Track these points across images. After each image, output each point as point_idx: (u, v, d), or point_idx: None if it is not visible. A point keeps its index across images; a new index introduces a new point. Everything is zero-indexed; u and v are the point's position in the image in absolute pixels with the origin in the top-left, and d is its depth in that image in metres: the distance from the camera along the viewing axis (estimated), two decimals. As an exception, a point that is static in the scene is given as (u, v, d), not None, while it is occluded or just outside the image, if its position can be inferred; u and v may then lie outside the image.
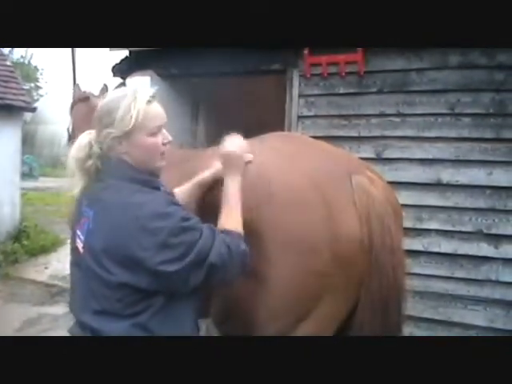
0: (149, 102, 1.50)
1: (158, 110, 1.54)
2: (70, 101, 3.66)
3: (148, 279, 1.37)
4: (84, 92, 3.72)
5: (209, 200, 1.86)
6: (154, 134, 1.51)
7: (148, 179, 1.53)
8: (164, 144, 1.55)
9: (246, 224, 1.62)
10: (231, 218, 1.60)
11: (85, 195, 1.53)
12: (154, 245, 1.35)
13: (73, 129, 3.45)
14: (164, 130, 1.56)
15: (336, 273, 1.74)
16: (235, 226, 1.58)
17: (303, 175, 1.80)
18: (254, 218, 1.70)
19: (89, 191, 1.52)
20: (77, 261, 1.54)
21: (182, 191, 1.87)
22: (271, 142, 2.01)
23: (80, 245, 1.49)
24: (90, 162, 1.51)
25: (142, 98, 1.49)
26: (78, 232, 1.52)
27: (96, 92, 3.66)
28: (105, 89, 3.73)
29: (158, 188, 1.55)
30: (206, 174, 1.91)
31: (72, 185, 1.55)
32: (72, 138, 3.42)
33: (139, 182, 1.49)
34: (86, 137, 1.56)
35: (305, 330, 1.75)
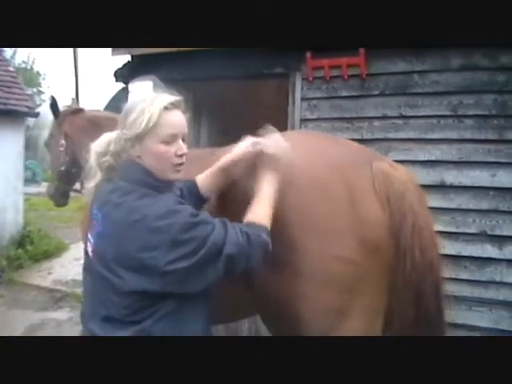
0: (166, 108, 1.45)
1: (174, 118, 1.48)
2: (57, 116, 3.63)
3: (160, 281, 1.33)
4: (70, 106, 3.74)
5: (234, 194, 1.83)
6: (166, 142, 1.45)
7: (158, 185, 1.48)
8: (179, 155, 1.48)
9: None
10: (259, 212, 1.55)
11: (95, 198, 1.51)
12: (164, 243, 1.31)
13: (68, 142, 3.42)
14: (180, 141, 1.49)
15: (364, 260, 1.68)
16: (261, 219, 1.53)
17: (325, 161, 1.78)
18: (279, 202, 1.65)
19: (99, 194, 1.49)
20: (87, 266, 1.51)
21: (203, 178, 1.80)
22: (292, 135, 2.00)
23: (90, 249, 1.46)
24: (104, 159, 1.50)
25: (158, 104, 1.45)
26: (89, 236, 1.49)
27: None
28: (75, 102, 3.75)
29: (168, 191, 1.51)
30: (226, 159, 1.79)
31: (89, 179, 1.55)
32: (70, 150, 3.42)
33: (149, 186, 1.45)
34: (109, 135, 1.56)
35: (352, 326, 1.68)
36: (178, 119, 1.50)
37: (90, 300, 1.48)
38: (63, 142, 3.43)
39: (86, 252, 1.51)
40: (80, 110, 3.52)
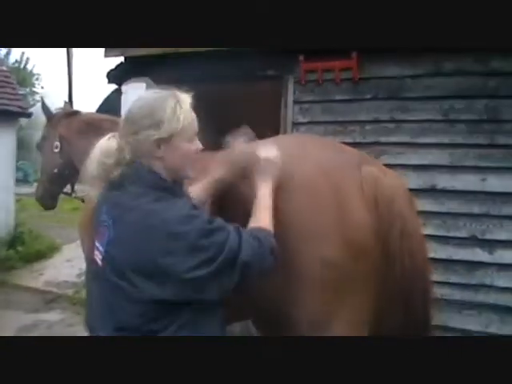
0: (191, 105, 1.44)
1: (195, 116, 1.47)
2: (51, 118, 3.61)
3: (177, 289, 1.28)
4: (63, 108, 3.73)
5: (228, 199, 1.85)
6: (191, 140, 1.45)
7: (170, 187, 1.44)
8: (196, 153, 1.48)
9: None
10: (262, 218, 1.54)
11: (103, 203, 1.44)
12: (183, 249, 1.27)
13: (63, 144, 3.40)
14: (196, 138, 1.49)
15: (348, 262, 1.68)
16: (265, 224, 1.52)
17: (313, 164, 1.78)
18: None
19: (107, 199, 1.43)
20: (95, 274, 1.44)
21: (199, 187, 1.79)
22: (284, 140, 2.02)
23: (99, 257, 1.39)
24: (117, 170, 1.41)
25: (186, 101, 1.42)
26: (97, 243, 1.41)
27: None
28: (68, 105, 3.74)
29: (181, 195, 1.48)
30: (221, 173, 1.82)
31: (90, 193, 1.50)
32: (64, 152, 3.41)
33: (162, 189, 1.40)
34: (113, 141, 1.47)
35: (338, 330, 1.69)
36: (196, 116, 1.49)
37: (100, 309, 1.41)
38: (58, 144, 3.42)
39: (94, 261, 1.43)
40: (75, 112, 3.51)
